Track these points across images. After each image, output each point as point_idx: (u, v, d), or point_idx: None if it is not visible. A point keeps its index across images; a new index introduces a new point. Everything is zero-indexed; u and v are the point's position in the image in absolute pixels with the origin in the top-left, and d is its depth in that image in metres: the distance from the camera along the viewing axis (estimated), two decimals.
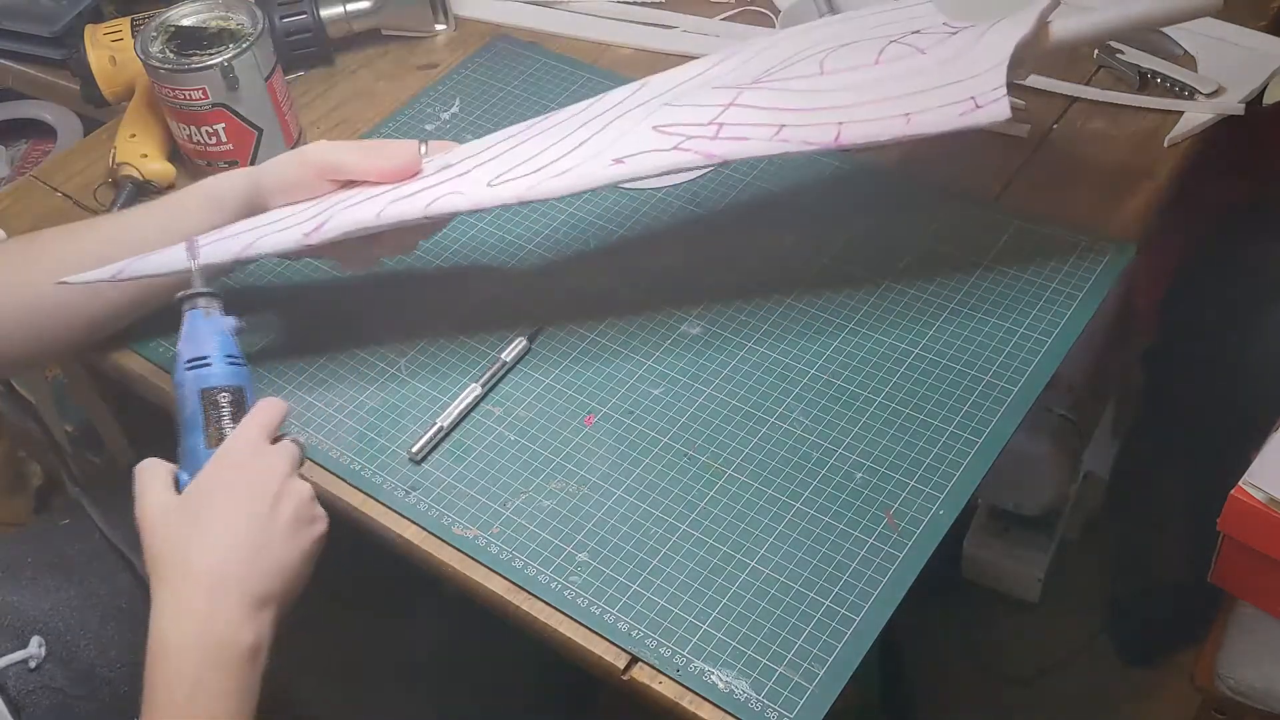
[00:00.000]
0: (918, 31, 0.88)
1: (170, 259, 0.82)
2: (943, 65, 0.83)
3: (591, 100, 0.89)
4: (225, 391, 0.74)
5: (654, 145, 0.81)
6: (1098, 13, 0.86)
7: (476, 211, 0.81)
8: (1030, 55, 0.85)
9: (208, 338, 0.75)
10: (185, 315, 0.77)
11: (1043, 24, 0.84)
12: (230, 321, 0.77)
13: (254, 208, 0.87)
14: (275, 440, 0.73)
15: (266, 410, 0.73)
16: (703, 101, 0.84)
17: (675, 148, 0.80)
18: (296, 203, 0.87)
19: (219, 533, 0.68)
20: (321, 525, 0.71)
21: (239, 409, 0.74)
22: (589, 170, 0.81)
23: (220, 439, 0.72)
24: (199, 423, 0.73)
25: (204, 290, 0.77)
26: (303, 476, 0.73)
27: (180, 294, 0.78)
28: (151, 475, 0.71)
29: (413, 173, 0.86)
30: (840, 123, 0.80)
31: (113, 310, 0.87)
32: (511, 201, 0.81)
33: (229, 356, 0.75)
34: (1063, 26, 0.85)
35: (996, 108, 0.78)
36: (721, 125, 0.81)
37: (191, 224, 0.85)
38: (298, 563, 0.69)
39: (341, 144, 0.91)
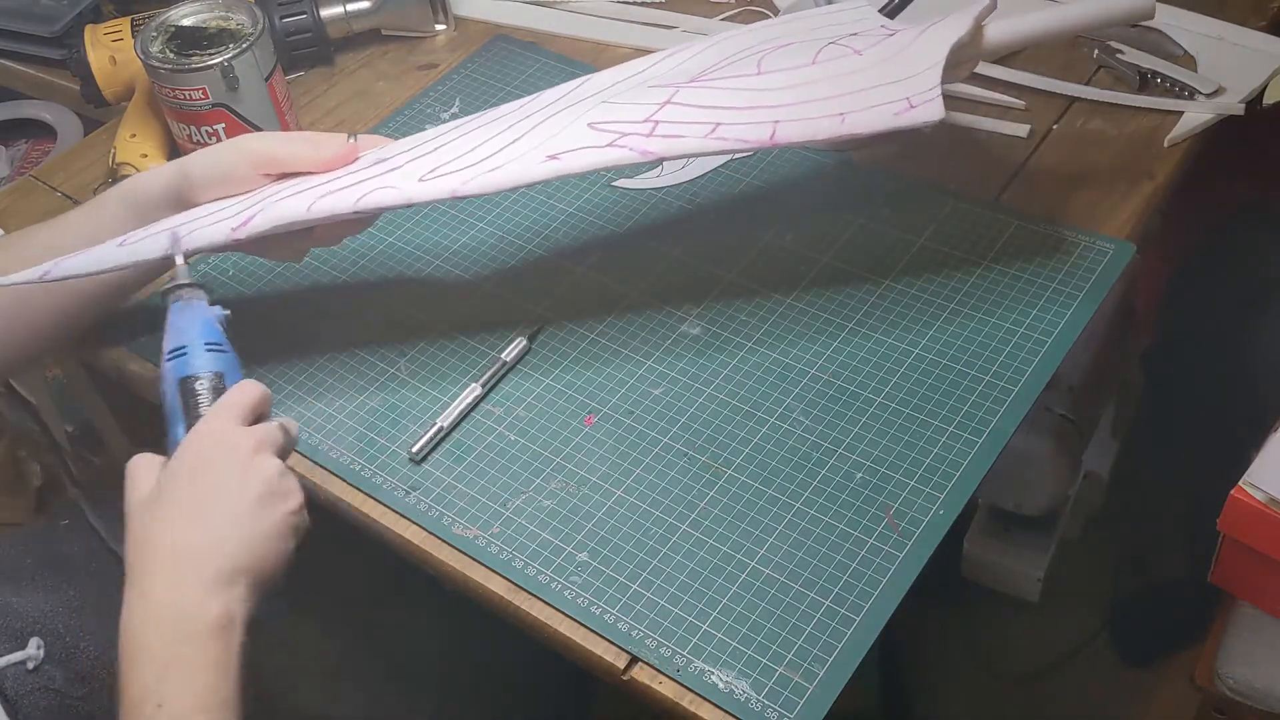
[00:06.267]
0: (855, 34, 0.88)
1: (102, 256, 0.80)
2: (879, 65, 0.83)
3: (529, 98, 0.88)
4: (203, 378, 0.73)
5: (589, 142, 0.80)
6: (1031, 16, 0.87)
7: (408, 206, 0.81)
8: (967, 57, 0.86)
9: (188, 328, 0.75)
10: (168, 308, 0.76)
11: (978, 27, 0.85)
12: (215, 310, 0.76)
13: (182, 203, 0.84)
14: (257, 423, 0.72)
15: (239, 392, 0.72)
16: (639, 100, 0.83)
17: (610, 144, 0.80)
18: (228, 197, 0.84)
19: (182, 510, 0.67)
20: (295, 500, 0.70)
21: (220, 395, 0.73)
22: (524, 166, 0.80)
23: None
24: (179, 411, 0.72)
25: (185, 282, 0.77)
26: (290, 470, 0.72)
27: (163, 288, 0.77)
28: (138, 470, 0.70)
29: (347, 162, 0.85)
30: (776, 121, 0.80)
31: (77, 306, 0.86)
32: (444, 196, 0.80)
33: (209, 344, 0.74)
34: (997, 30, 0.86)
35: (931, 107, 0.78)
36: (657, 123, 0.81)
37: (114, 230, 0.83)
38: (269, 536, 0.68)
39: (273, 135, 0.89)
